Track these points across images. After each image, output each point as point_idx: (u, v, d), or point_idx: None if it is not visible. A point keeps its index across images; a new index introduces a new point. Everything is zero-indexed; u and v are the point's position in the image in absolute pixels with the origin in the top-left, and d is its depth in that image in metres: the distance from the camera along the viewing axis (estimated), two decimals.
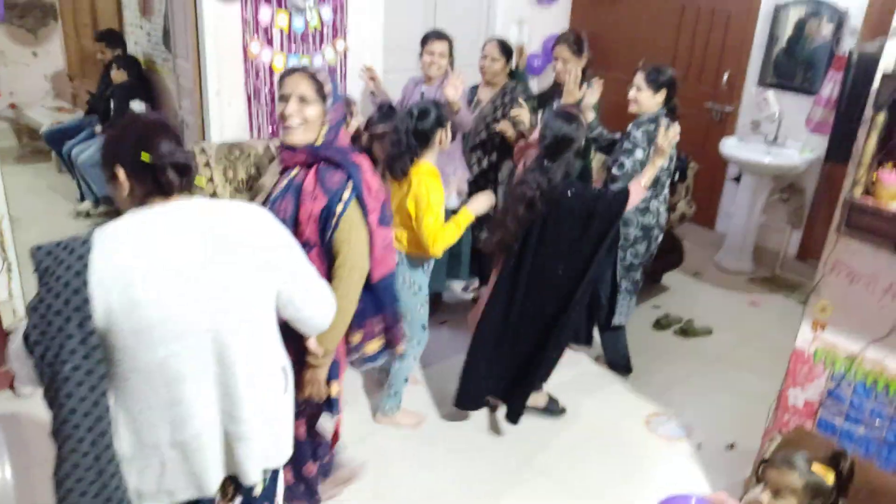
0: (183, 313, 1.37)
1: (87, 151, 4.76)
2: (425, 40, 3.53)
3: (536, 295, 2.73)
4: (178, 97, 4.41)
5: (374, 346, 2.17)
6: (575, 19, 5.27)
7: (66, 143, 4.94)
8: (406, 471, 2.75)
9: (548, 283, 2.71)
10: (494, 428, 3.02)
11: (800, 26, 4.25)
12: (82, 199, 4.95)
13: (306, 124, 1.90)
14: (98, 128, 4.92)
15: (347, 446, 2.80)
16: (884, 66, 2.05)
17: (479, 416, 3.08)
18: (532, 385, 2.89)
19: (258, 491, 1.61)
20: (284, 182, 1.96)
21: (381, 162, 2.82)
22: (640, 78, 3.02)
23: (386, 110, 3.04)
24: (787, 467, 1.81)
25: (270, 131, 3.82)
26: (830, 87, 3.85)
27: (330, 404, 2.13)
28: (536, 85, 4.54)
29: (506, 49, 3.62)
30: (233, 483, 1.56)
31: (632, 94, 3.04)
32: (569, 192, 2.63)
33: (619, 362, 3.44)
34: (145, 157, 1.38)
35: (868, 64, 2.12)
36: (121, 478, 1.40)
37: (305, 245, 1.88)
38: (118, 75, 4.71)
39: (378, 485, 2.67)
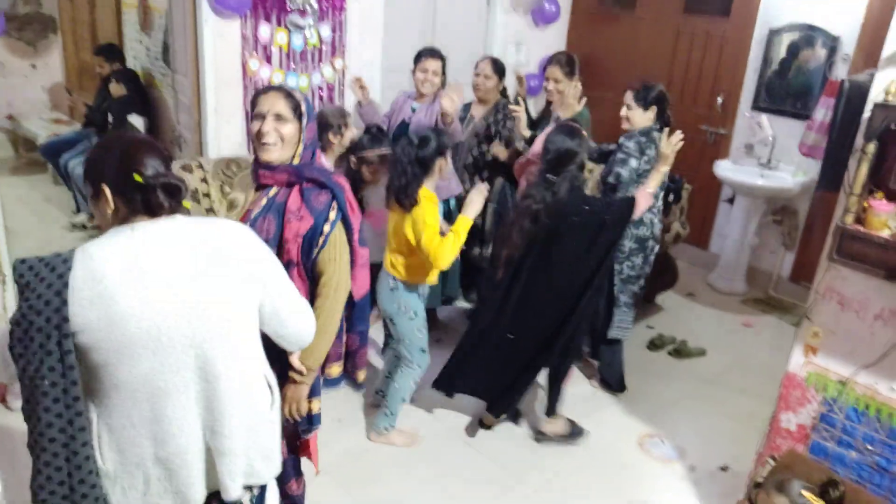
0: (165, 330, 1.37)
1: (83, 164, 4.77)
2: (418, 58, 3.56)
3: (535, 302, 2.74)
4: (176, 112, 4.43)
5: (336, 369, 2.17)
6: (572, 41, 5.34)
7: (62, 156, 4.96)
8: (399, 490, 2.74)
9: (549, 292, 2.73)
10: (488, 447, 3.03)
11: (793, 51, 4.31)
12: (78, 211, 4.96)
13: (283, 142, 1.90)
14: (95, 141, 4.93)
15: (340, 464, 2.80)
16: (874, 96, 2.09)
17: (473, 437, 3.08)
18: (523, 388, 2.89)
19: None
20: (264, 201, 1.95)
21: (374, 188, 2.85)
22: (629, 97, 3.09)
23: (375, 133, 3.05)
24: (778, 492, 1.81)
25: None
26: (823, 111, 3.90)
27: (311, 420, 2.14)
28: (533, 105, 4.58)
29: (499, 67, 3.66)
30: (217, 500, 1.55)
31: (623, 112, 3.12)
32: (584, 207, 2.67)
33: (613, 379, 3.45)
34: (137, 177, 1.37)
35: (859, 93, 2.15)
36: (97, 497, 1.40)
37: (288, 264, 1.89)
38: (116, 89, 4.73)
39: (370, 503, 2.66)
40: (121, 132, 4.19)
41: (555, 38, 5.23)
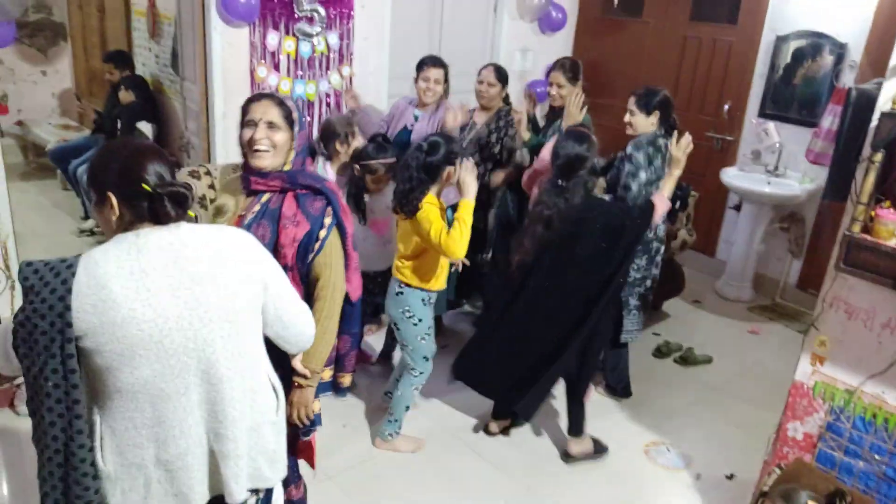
0: (167, 333, 1.38)
1: None
2: (421, 66, 3.55)
3: (549, 306, 2.74)
4: (185, 119, 4.46)
5: (328, 373, 2.18)
6: (578, 48, 5.35)
7: (71, 162, 4.99)
8: (404, 497, 2.74)
9: (563, 296, 2.72)
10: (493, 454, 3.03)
11: (800, 58, 4.31)
12: (86, 216, 4.99)
13: (274, 150, 1.91)
14: None
15: (345, 471, 2.81)
16: (882, 105, 2.09)
17: (479, 443, 3.08)
18: (539, 395, 2.87)
19: None
20: (258, 207, 1.96)
21: (378, 196, 2.85)
22: (632, 102, 3.10)
23: (380, 141, 3.04)
24: (784, 502, 1.81)
25: None
26: (830, 119, 3.89)
27: (312, 421, 2.15)
28: (540, 111, 4.58)
29: (502, 75, 3.67)
30: None
31: (626, 117, 3.13)
32: (606, 210, 2.70)
33: (619, 384, 3.44)
34: (146, 187, 1.38)
35: (866, 102, 2.15)
36: (89, 501, 1.41)
37: (284, 269, 1.91)
38: (126, 96, 4.76)
39: None
40: (125, 139, 4.22)
41: (561, 45, 5.24)
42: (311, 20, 3.84)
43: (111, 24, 5.73)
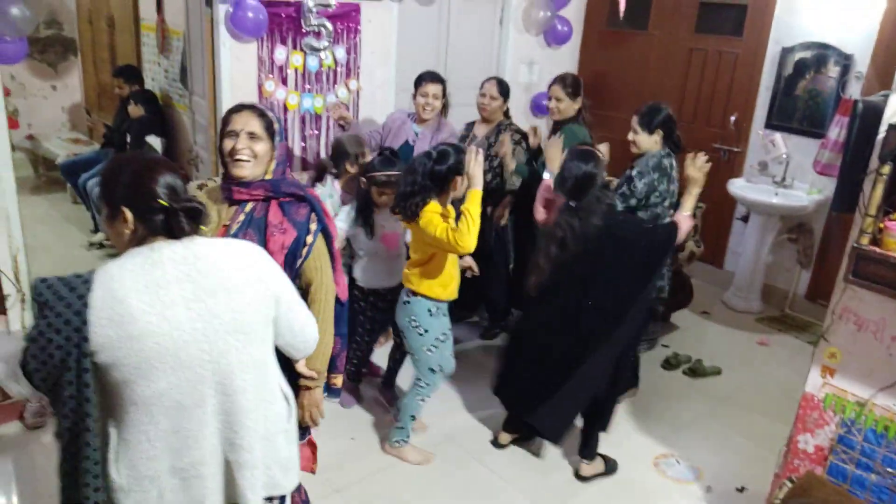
0: (183, 346, 1.40)
1: None
2: (419, 81, 3.57)
3: (570, 326, 2.72)
4: (194, 133, 4.49)
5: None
6: (584, 61, 5.37)
7: (81, 175, 5.04)
8: None
9: (584, 315, 2.69)
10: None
11: (805, 70, 4.32)
12: (96, 230, 5.02)
13: (255, 160, 1.95)
14: None
15: (353, 484, 2.80)
16: (889, 117, 2.09)
17: (488, 457, 3.07)
18: (571, 411, 2.87)
19: None
20: (242, 216, 1.99)
21: (386, 210, 2.85)
22: (635, 121, 3.11)
23: (388, 155, 3.05)
24: None
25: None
26: (837, 130, 3.89)
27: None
28: (545, 124, 4.61)
29: (504, 88, 3.70)
30: None
31: (630, 136, 3.13)
32: (635, 228, 2.73)
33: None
34: (162, 201, 1.39)
35: (873, 115, 2.15)
36: (97, 501, 1.43)
37: None
38: (135, 110, 4.81)
39: None
40: (134, 152, 4.26)
41: (567, 58, 5.26)
42: (318, 35, 3.88)
43: (121, 39, 5.80)
